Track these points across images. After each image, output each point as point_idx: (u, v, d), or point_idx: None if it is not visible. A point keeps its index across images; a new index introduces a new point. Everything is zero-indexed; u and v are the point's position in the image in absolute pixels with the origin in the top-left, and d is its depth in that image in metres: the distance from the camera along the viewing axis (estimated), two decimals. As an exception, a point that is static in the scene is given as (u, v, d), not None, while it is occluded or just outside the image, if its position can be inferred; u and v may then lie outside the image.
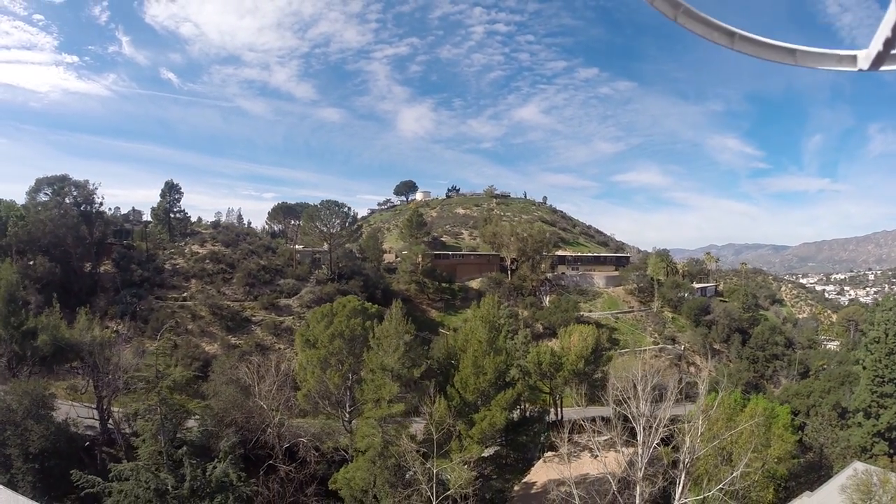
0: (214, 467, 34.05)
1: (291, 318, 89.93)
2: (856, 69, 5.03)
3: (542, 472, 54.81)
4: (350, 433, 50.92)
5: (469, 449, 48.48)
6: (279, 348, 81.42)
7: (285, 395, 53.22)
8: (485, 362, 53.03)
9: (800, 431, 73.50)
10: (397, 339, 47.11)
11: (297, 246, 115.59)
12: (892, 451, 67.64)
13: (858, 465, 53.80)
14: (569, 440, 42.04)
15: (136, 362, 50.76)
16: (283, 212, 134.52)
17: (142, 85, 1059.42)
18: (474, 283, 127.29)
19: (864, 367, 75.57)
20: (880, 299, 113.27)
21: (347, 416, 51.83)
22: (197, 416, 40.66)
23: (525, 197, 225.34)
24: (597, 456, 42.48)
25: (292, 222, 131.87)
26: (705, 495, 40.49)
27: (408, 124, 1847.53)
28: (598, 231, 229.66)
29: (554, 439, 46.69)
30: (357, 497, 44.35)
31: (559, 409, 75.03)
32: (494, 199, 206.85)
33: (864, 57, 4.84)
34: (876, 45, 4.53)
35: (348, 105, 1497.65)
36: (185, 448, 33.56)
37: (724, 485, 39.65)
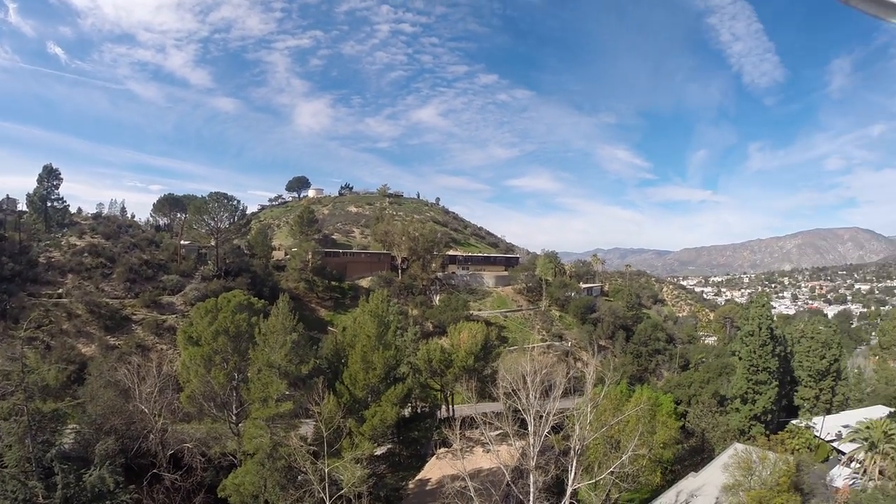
0: (90, 474, 32.76)
1: (175, 316, 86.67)
2: None
3: (436, 468, 56.61)
4: (238, 436, 50.43)
5: (361, 446, 49.21)
6: (161, 349, 78.38)
7: (168, 399, 51.91)
8: (374, 357, 54.30)
9: (682, 418, 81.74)
10: (284, 334, 47.44)
11: (182, 240, 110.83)
12: (768, 432, 76.17)
13: (738, 446, 60.57)
14: (461, 435, 43.92)
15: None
16: (169, 204, 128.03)
17: (25, 59, 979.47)
18: (365, 282, 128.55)
19: (740, 359, 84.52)
20: (754, 297, 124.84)
21: (234, 417, 51.24)
22: (71, 422, 38.71)
23: (418, 197, 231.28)
24: (490, 450, 44.33)
25: (179, 216, 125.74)
26: (597, 480, 43.48)
27: (304, 119, 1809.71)
28: (489, 233, 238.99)
29: (447, 435, 48.23)
30: (248, 503, 43.89)
31: (451, 406, 77.73)
32: (387, 199, 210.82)
33: None
34: None
35: (245, 96, 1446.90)
36: (54, 451, 32.05)
37: (613, 469, 42.96)
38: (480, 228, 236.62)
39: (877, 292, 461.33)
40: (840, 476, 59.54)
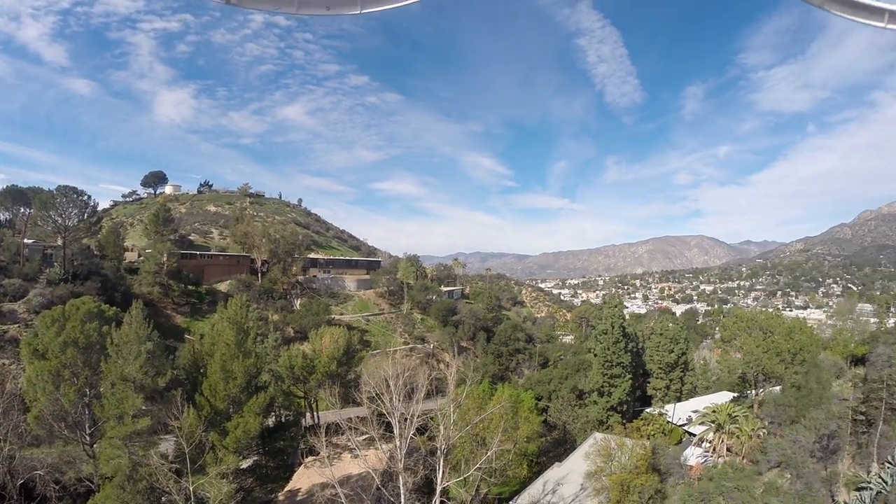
0: None
1: (17, 325, 78.06)
2: None
3: (304, 478, 55.00)
4: (93, 458, 46.42)
5: (225, 460, 47.13)
6: (3, 363, 70.26)
7: (14, 421, 46.65)
8: (234, 366, 52.08)
9: (544, 413, 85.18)
10: (138, 344, 44.83)
11: (26, 239, 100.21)
12: (624, 420, 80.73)
13: (598, 435, 63.91)
14: (328, 442, 42.93)
15: None
16: (11, 197, 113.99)
17: None
18: (223, 286, 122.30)
19: (596, 355, 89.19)
20: (607, 299, 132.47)
21: (88, 438, 47.19)
22: None
23: (280, 198, 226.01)
24: (357, 455, 43.77)
25: (22, 211, 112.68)
26: (465, 476, 43.85)
27: (166, 109, 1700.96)
28: (351, 236, 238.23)
29: (313, 443, 47.06)
30: (110, 530, 40.38)
31: (315, 413, 76.06)
32: (248, 198, 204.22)
33: None
34: None
35: (103, 78, 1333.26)
36: None
37: (480, 465, 43.51)
38: (343, 231, 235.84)
39: (719, 292, 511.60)
40: (693, 455, 64.61)
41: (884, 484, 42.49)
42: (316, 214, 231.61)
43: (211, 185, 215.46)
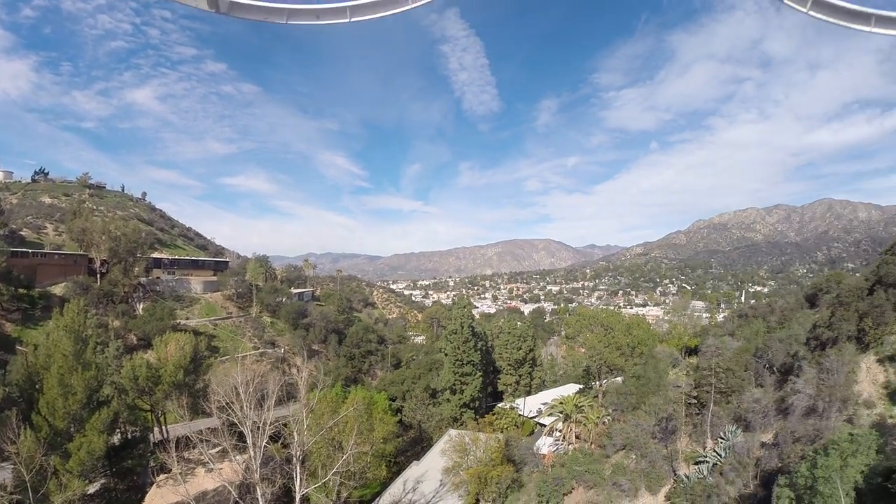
0: None
1: None
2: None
3: (158, 498, 52.67)
4: None
5: (70, 486, 44.25)
6: None
7: None
8: (73, 380, 48.83)
9: (399, 413, 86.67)
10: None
11: None
12: (477, 416, 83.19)
13: (452, 432, 66.15)
14: (180, 458, 41.53)
15: None
16: None
17: None
18: (58, 289, 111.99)
19: (447, 354, 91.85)
20: (457, 300, 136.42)
21: None
22: None
23: (123, 191, 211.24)
24: (212, 469, 42.67)
25: None
26: (324, 482, 43.88)
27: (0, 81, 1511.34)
28: (198, 234, 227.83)
29: (164, 460, 45.23)
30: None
31: (164, 427, 72.22)
32: (88, 190, 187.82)
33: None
34: None
35: None
36: None
37: (338, 469, 43.70)
38: (189, 229, 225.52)
39: (565, 292, 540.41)
40: (545, 445, 68.47)
41: (718, 456, 48.95)
42: (161, 210, 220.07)
43: (47, 174, 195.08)
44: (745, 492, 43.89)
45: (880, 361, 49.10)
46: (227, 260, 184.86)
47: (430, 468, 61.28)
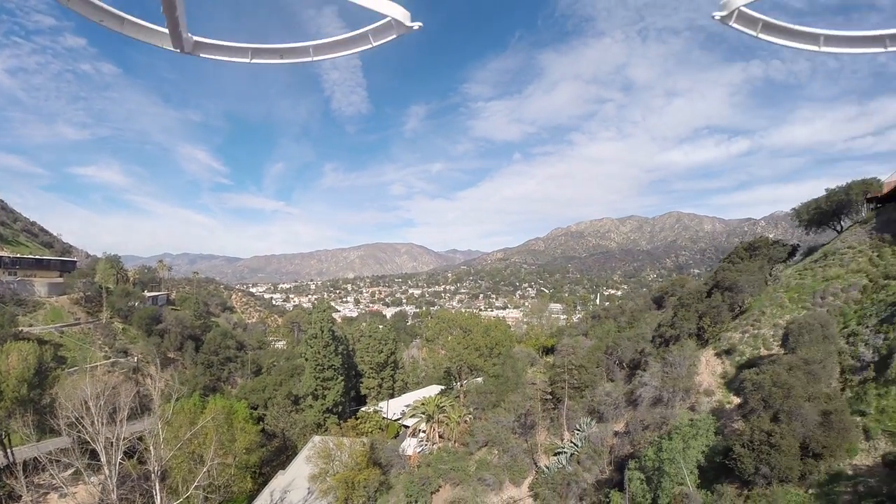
0: None
1: None
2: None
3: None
4: None
5: None
6: None
7: None
8: None
9: (261, 422, 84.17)
10: None
11: None
12: (341, 421, 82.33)
13: (316, 438, 65.39)
14: (29, 483, 38.45)
15: None
16: None
17: None
18: None
19: (307, 359, 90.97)
20: (317, 303, 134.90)
21: None
22: None
23: None
24: (66, 493, 39.81)
25: None
26: (185, 497, 42.03)
27: None
28: (42, 229, 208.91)
29: (11, 486, 41.53)
30: None
31: (8, 449, 65.33)
32: None
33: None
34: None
35: None
36: None
37: (199, 483, 42.00)
38: (34, 224, 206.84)
39: (427, 296, 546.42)
40: (410, 446, 69.18)
41: (575, 446, 52.36)
42: (2, 201, 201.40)
43: None
44: (601, 477, 46.85)
45: (718, 355, 53.93)
46: (76, 259, 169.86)
47: (296, 476, 60.05)
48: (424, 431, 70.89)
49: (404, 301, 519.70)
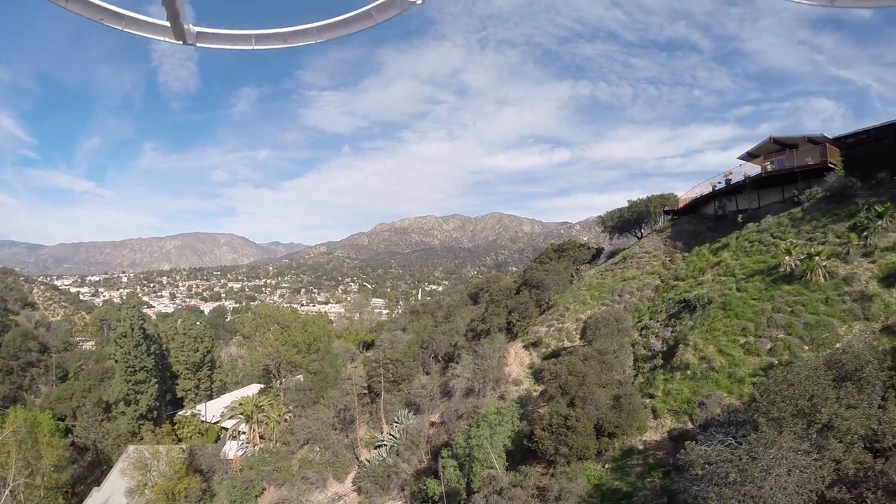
0: None
1: None
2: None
3: None
4: None
5: None
6: None
7: None
8: None
9: (70, 434, 76.97)
10: None
11: None
12: (155, 427, 77.78)
13: (131, 448, 61.89)
14: None
15: None
16: None
17: None
18: None
19: (117, 361, 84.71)
20: (127, 298, 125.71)
21: None
22: None
23: None
24: None
25: None
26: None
27: None
28: None
29: None
30: None
31: None
32: None
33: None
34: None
35: None
36: None
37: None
38: None
39: (247, 290, 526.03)
40: (232, 449, 67.21)
41: (394, 439, 54.07)
42: None
43: None
44: (420, 467, 48.94)
45: (526, 347, 58.28)
46: None
47: (113, 492, 56.11)
48: (245, 433, 69.19)
49: (223, 296, 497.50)
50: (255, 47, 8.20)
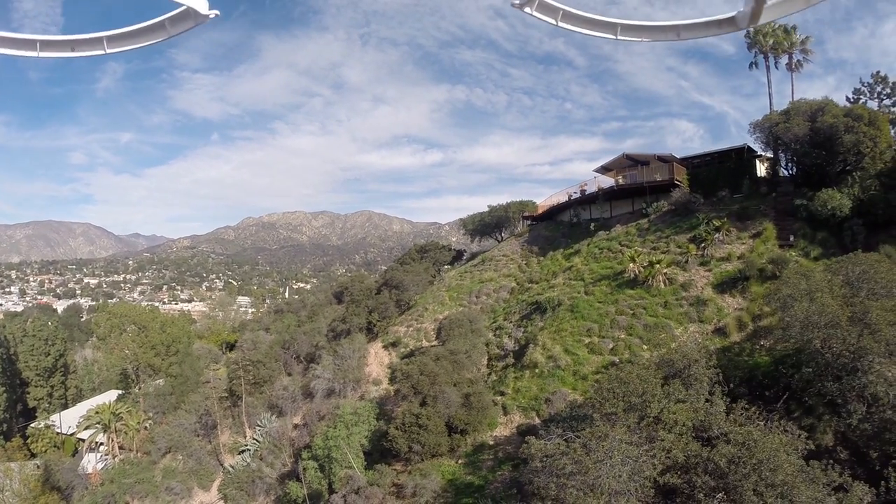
0: None
1: None
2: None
3: None
4: None
5: None
6: None
7: None
8: None
9: None
10: None
11: None
12: (5, 441, 72.73)
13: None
14: None
15: None
16: None
17: None
18: None
19: (-42, 369, 76.37)
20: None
21: None
22: None
23: None
24: None
25: None
26: None
27: None
28: None
29: None
30: None
31: None
32: None
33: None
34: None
35: None
36: None
37: None
38: None
39: (105, 286, 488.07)
40: (90, 462, 62.86)
41: (257, 443, 53.77)
42: None
43: None
44: (284, 470, 49.18)
45: (385, 347, 59.79)
46: None
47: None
48: (103, 443, 65.51)
49: (79, 292, 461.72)
50: (41, 55, 7.79)
